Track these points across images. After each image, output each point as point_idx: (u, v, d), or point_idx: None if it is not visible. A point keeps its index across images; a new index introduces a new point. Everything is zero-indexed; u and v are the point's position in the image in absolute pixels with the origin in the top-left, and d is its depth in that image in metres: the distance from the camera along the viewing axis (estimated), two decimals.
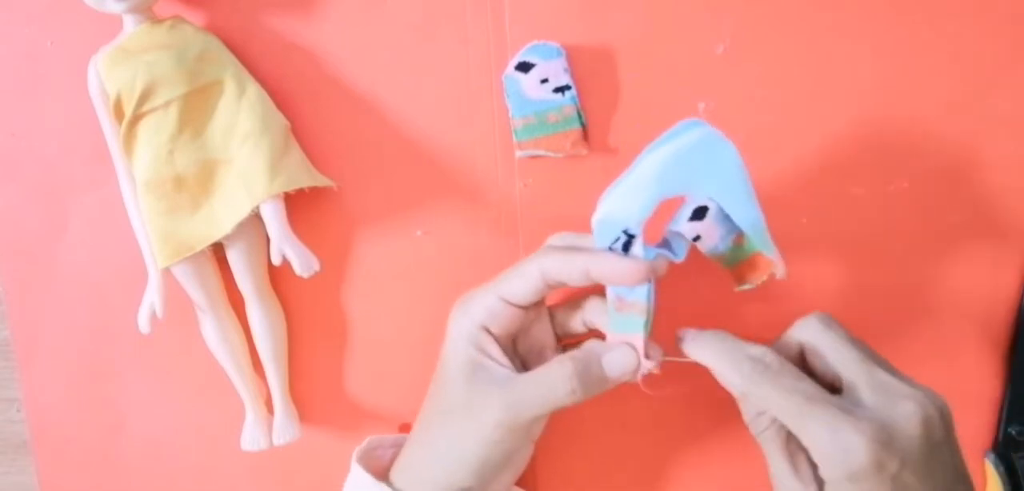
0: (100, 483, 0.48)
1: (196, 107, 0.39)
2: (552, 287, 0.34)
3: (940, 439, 0.31)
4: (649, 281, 0.33)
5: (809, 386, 0.32)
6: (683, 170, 0.32)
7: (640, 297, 0.33)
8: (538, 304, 0.36)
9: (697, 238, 0.34)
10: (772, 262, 0.34)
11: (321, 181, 0.40)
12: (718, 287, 0.39)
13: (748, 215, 0.33)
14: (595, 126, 0.40)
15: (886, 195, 0.40)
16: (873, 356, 0.33)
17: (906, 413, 0.30)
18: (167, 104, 0.38)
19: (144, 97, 0.38)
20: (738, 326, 0.35)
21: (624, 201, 0.32)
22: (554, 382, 0.33)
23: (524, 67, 0.39)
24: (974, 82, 0.38)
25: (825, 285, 0.41)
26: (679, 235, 0.34)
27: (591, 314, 0.37)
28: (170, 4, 0.40)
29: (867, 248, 0.40)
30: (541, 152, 0.40)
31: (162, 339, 0.43)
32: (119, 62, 0.38)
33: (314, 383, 0.45)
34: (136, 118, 0.38)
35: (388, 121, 0.41)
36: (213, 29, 0.40)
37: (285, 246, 0.38)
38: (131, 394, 0.46)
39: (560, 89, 0.39)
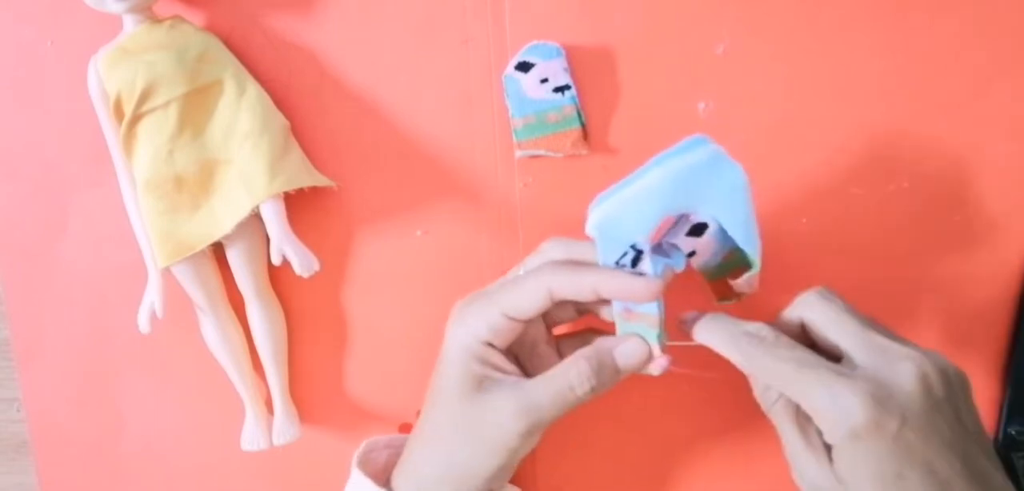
0: (100, 483, 0.48)
1: (196, 107, 0.39)
2: (557, 302, 0.34)
3: (941, 397, 0.30)
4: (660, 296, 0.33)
5: (804, 353, 0.32)
6: (689, 188, 0.31)
7: (651, 310, 0.33)
8: None
9: (692, 253, 0.34)
10: (752, 277, 0.34)
11: (321, 181, 0.40)
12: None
13: (747, 235, 0.32)
14: (595, 126, 0.40)
15: (886, 195, 0.40)
16: (874, 325, 0.33)
17: (903, 372, 0.30)
18: (167, 104, 0.38)
19: (144, 97, 0.38)
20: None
21: (628, 213, 0.32)
22: (571, 382, 0.33)
23: (524, 67, 0.39)
24: (974, 82, 0.38)
25: (825, 285, 0.40)
26: (676, 247, 0.34)
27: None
28: (170, 4, 0.40)
29: (867, 248, 0.40)
30: (541, 152, 0.40)
31: (162, 339, 0.43)
32: (119, 62, 0.38)
33: (314, 383, 0.45)
34: (136, 118, 0.38)
35: (388, 121, 0.41)
36: (213, 29, 0.40)
37: (285, 246, 0.38)
38: (131, 394, 0.46)
39: (560, 89, 0.39)
